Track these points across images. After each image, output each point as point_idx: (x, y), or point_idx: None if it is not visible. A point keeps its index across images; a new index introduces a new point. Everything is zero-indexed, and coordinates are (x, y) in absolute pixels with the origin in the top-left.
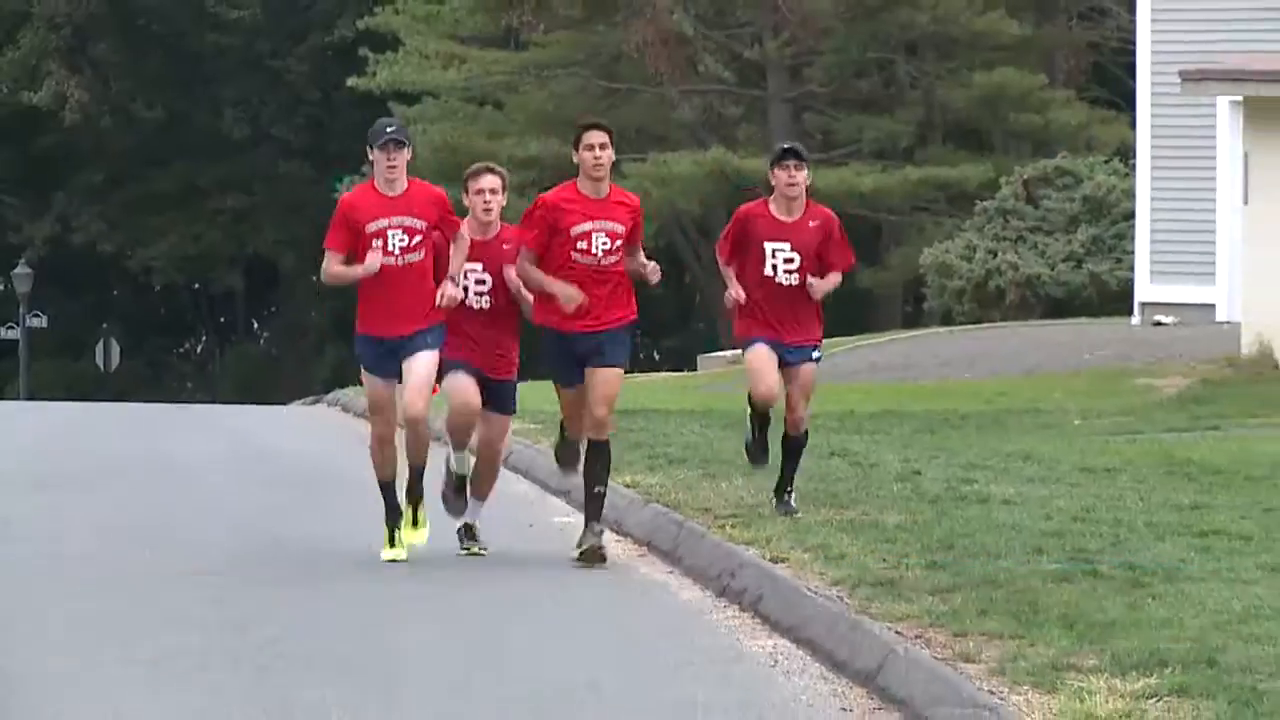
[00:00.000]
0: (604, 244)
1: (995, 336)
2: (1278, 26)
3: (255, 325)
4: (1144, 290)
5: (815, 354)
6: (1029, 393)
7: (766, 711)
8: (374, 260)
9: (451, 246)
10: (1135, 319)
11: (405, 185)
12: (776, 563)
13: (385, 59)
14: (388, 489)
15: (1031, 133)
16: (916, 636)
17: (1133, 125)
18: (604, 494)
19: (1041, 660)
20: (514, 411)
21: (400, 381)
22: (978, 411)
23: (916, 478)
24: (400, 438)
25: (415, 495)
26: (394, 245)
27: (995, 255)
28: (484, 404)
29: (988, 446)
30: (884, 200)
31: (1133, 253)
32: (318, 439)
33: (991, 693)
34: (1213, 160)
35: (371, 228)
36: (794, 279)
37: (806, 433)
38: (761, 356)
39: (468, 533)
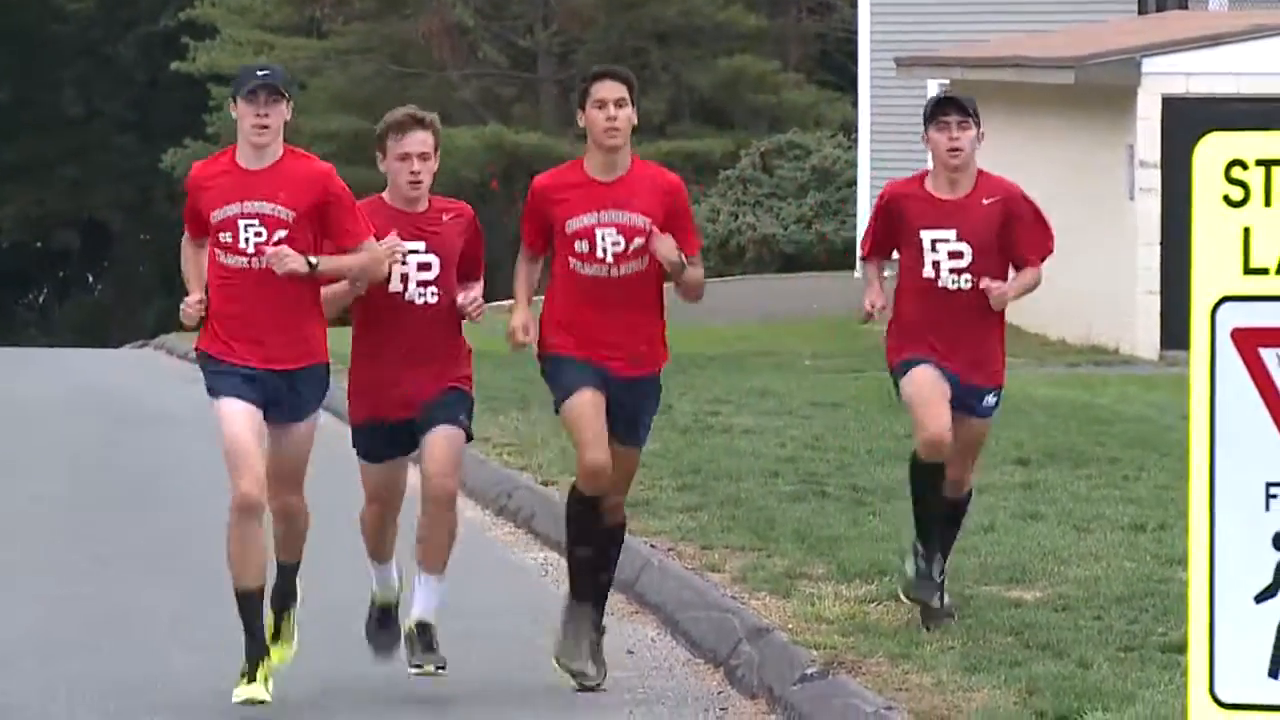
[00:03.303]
0: (614, 244)
1: (737, 288)
2: (981, 19)
3: (90, 279)
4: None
5: (992, 400)
6: (766, 337)
7: (539, 614)
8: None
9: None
10: (857, 273)
11: (279, 155)
12: (547, 485)
13: (204, 46)
14: (248, 600)
15: (767, 111)
16: (669, 549)
17: (854, 105)
18: (609, 583)
19: (778, 570)
20: (467, 427)
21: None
22: (721, 354)
23: (669, 411)
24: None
25: (284, 600)
26: (246, 242)
27: (736, 217)
28: (422, 425)
29: (730, 384)
30: None
31: (855, 215)
32: (146, 378)
33: (734, 598)
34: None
35: (217, 216)
36: (963, 281)
37: (970, 494)
38: (925, 383)
39: (421, 637)
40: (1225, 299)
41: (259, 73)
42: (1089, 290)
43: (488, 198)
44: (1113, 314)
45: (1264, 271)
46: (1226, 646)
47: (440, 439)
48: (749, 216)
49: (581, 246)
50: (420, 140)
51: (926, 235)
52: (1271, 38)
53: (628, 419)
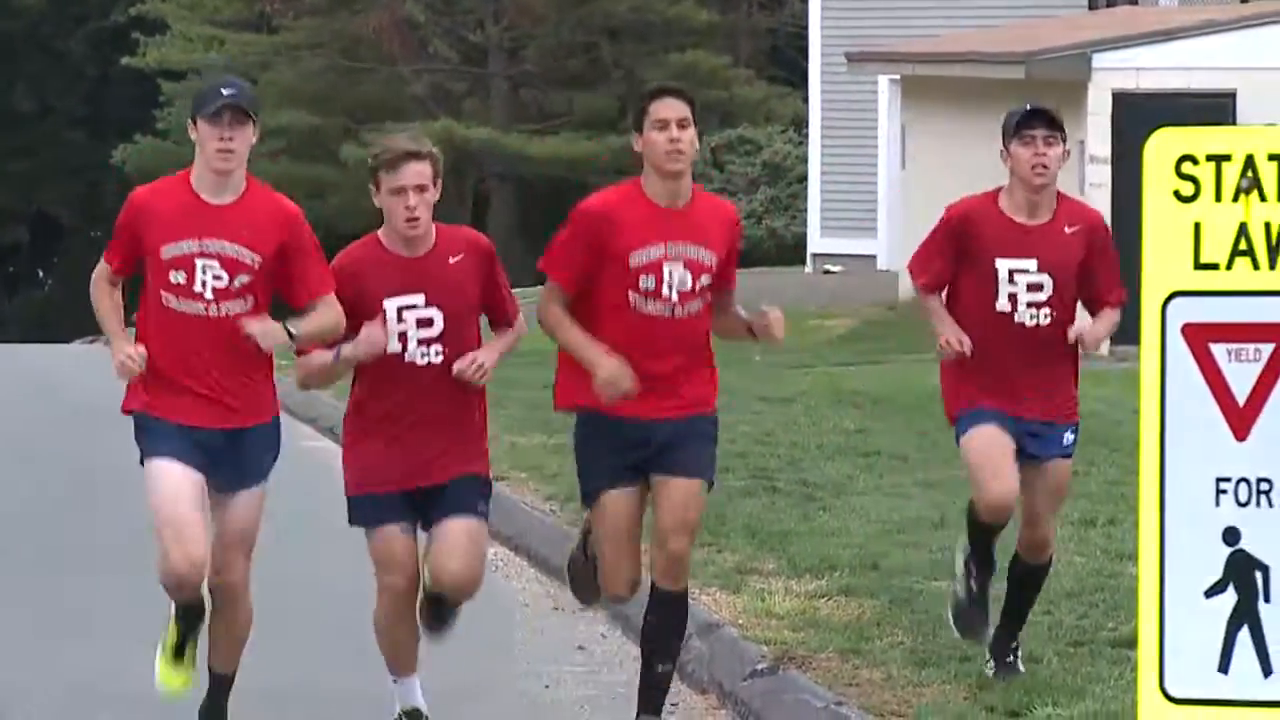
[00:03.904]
0: (682, 281)
1: None
2: (931, 14)
3: (40, 274)
4: (815, 243)
5: (1070, 438)
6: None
7: (493, 609)
8: (372, 338)
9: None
10: (808, 268)
11: (242, 189)
12: (498, 481)
13: (154, 41)
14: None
15: (718, 106)
16: None
17: (805, 100)
18: (670, 674)
19: (728, 565)
20: (485, 515)
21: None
22: None
23: None
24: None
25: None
26: (203, 285)
27: None
28: (434, 512)
29: None
30: (590, 165)
31: (806, 210)
32: (96, 373)
33: None
34: (874, 130)
35: (170, 251)
36: (1044, 317)
37: (1051, 559)
38: (989, 442)
39: None
40: (1176, 294)
41: (224, 91)
42: None
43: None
44: None
45: (1214, 266)
46: (1177, 641)
47: (453, 532)
48: None
49: (647, 283)
50: (416, 172)
51: (1002, 264)
52: (1222, 33)
53: (686, 453)
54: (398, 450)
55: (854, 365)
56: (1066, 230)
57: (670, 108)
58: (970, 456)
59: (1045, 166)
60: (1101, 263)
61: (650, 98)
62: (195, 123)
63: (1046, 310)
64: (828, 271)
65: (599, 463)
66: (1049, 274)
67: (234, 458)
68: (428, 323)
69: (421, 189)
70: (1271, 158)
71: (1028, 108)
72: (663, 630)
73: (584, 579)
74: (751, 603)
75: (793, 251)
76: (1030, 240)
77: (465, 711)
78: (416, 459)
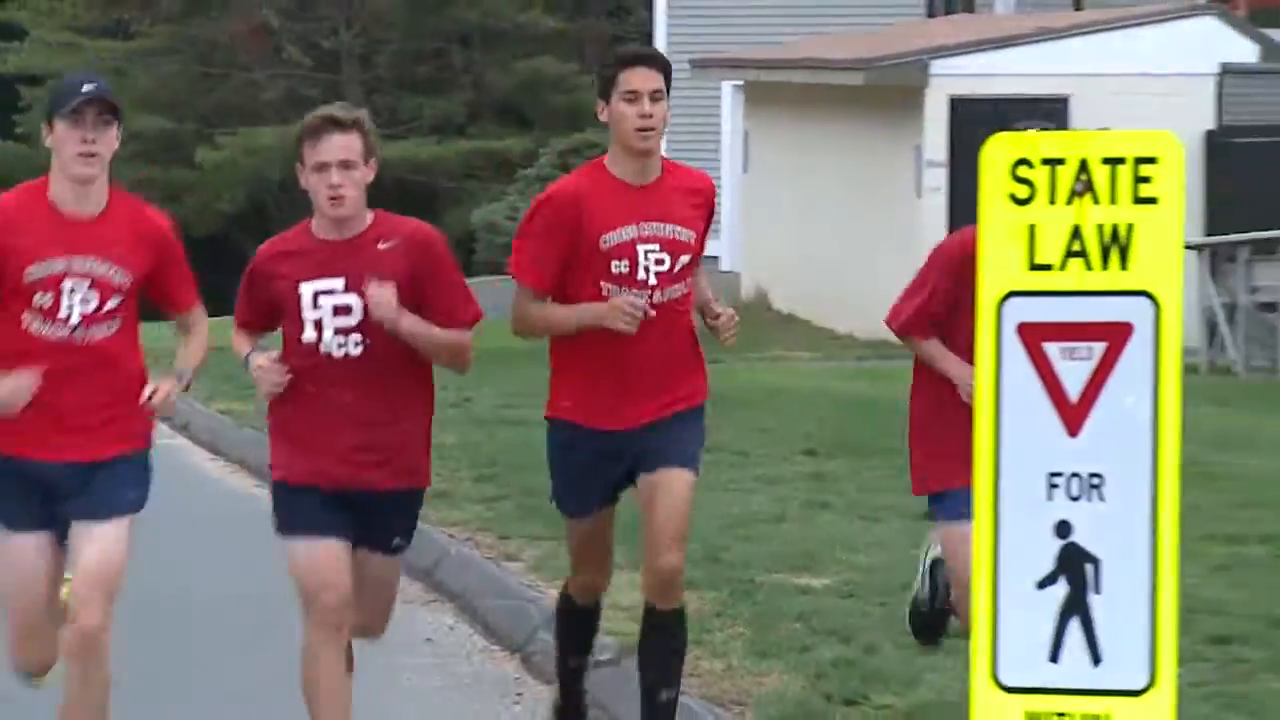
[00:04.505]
0: (659, 263)
1: None
2: (774, 22)
3: None
4: None
5: None
6: None
7: None
8: (17, 388)
9: (184, 335)
10: None
11: (106, 200)
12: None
13: (13, 47)
14: None
15: (565, 111)
16: (467, 539)
17: None
18: (675, 702)
19: None
20: (404, 550)
21: (62, 541)
22: (517, 348)
23: (467, 404)
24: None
25: None
26: (70, 310)
27: None
28: (355, 535)
29: (528, 377)
30: (440, 168)
31: None
32: None
33: (531, 586)
34: (718, 135)
35: (35, 273)
36: None
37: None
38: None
39: None
40: (1011, 294)
41: (85, 87)
42: (877, 286)
43: (291, 194)
44: None
45: (1048, 267)
46: (1009, 632)
47: (373, 575)
48: None
49: (620, 267)
50: (341, 145)
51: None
52: (1055, 40)
53: (675, 448)
54: (320, 450)
55: None
56: None
57: (643, 78)
58: (947, 547)
59: None
60: None
61: (621, 65)
62: (51, 125)
63: None
64: None
65: (572, 486)
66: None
67: (93, 490)
68: (345, 310)
69: (347, 165)
70: (1105, 161)
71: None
72: (662, 654)
73: (573, 623)
74: None
75: None
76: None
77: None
78: (343, 460)
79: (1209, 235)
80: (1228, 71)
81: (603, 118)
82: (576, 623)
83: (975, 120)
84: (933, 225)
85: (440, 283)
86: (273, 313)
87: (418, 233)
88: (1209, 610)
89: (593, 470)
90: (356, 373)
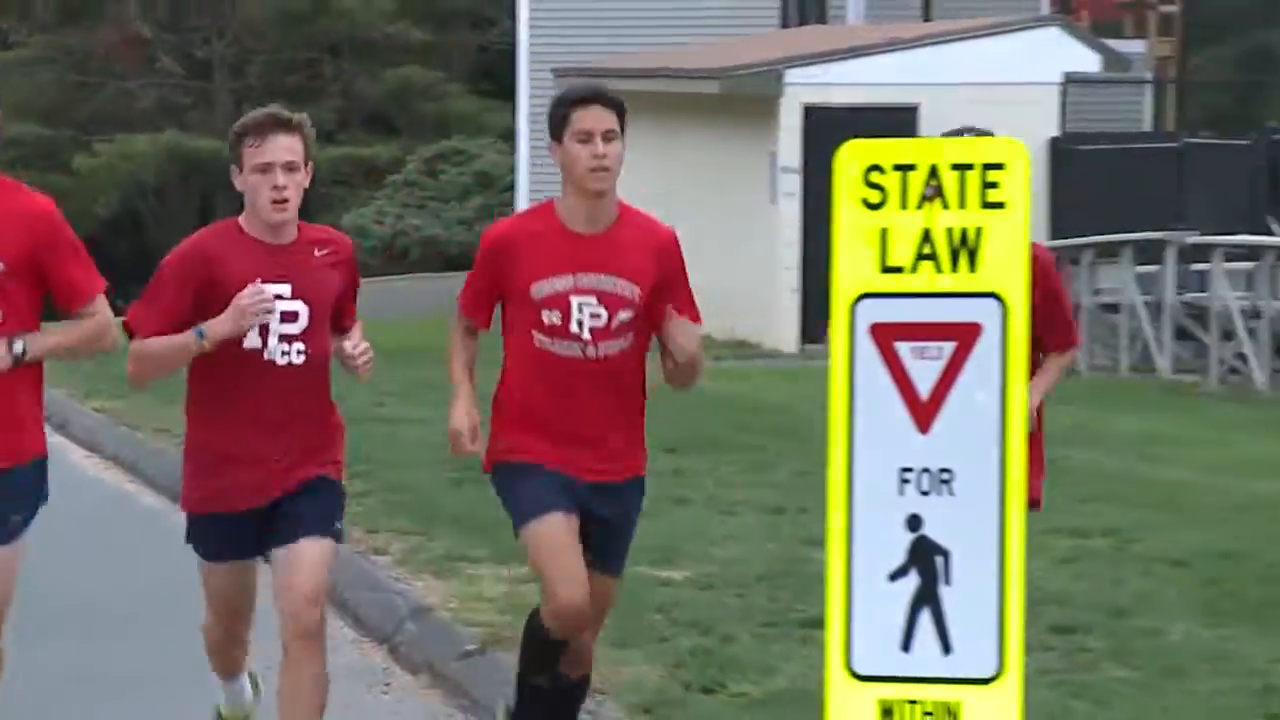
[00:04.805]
0: (594, 315)
1: (402, 287)
2: (633, 32)
3: None
4: None
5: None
6: (431, 334)
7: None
8: (255, 303)
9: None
10: None
11: None
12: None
13: None
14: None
15: (432, 119)
16: None
17: (514, 113)
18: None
19: (439, 552)
20: (338, 534)
21: None
22: (389, 349)
23: (340, 401)
24: None
25: None
26: None
27: (402, 219)
28: (281, 529)
29: (397, 377)
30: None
31: None
32: None
33: (399, 579)
34: None
35: None
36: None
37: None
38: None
39: None
40: (864, 295)
41: None
42: (734, 288)
43: (165, 200)
44: (756, 310)
45: (900, 270)
46: (862, 622)
47: (304, 555)
48: (414, 219)
49: (551, 318)
50: (285, 146)
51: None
52: (906, 50)
53: (606, 537)
54: (243, 458)
55: None
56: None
57: (595, 117)
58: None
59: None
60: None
61: (573, 104)
62: None
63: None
64: None
65: (531, 491)
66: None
67: None
68: (292, 317)
69: (291, 167)
70: (954, 167)
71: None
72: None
73: (542, 652)
74: (462, 588)
75: None
76: None
77: (183, 692)
78: (267, 471)
79: (1054, 239)
80: (1071, 81)
81: (555, 158)
82: (545, 656)
83: (828, 128)
84: (787, 229)
85: (351, 298)
86: (191, 320)
87: (343, 242)
88: (1054, 601)
89: (554, 478)
90: (296, 382)
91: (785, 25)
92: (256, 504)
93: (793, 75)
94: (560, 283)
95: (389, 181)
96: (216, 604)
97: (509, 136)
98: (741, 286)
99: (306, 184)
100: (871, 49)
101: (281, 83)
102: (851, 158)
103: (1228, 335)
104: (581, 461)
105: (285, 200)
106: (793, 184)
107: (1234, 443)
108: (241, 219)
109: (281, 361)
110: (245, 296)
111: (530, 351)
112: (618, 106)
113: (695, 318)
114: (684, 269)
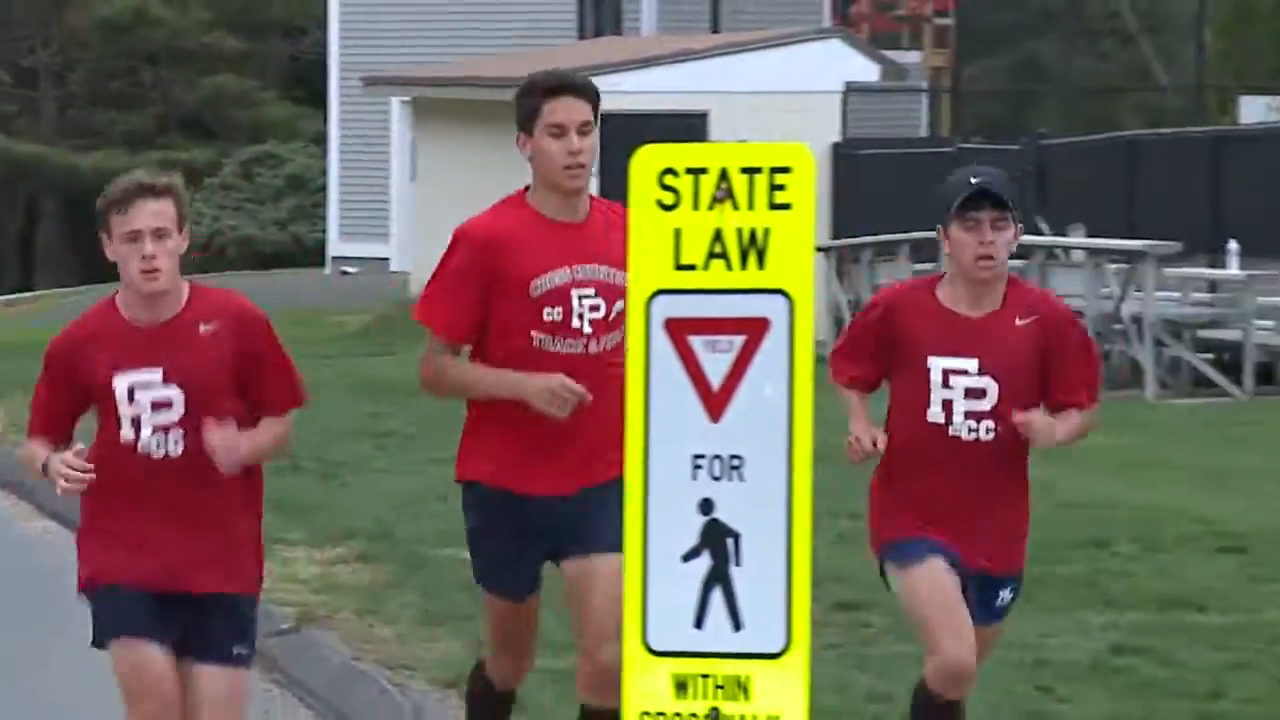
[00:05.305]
0: (594, 308)
1: (220, 284)
2: (440, 43)
3: None
4: (335, 247)
5: (1008, 595)
6: None
7: (45, 569)
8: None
9: None
10: (328, 270)
11: None
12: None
13: None
14: None
15: (247, 125)
16: None
17: (325, 119)
18: None
19: None
20: (249, 660)
21: None
22: None
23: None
24: None
25: None
26: None
27: (219, 220)
28: (191, 647)
29: None
30: None
31: (326, 218)
32: None
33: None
34: (387, 146)
35: None
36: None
37: None
38: (929, 581)
39: None
40: (659, 292)
41: None
42: None
43: None
44: None
45: (693, 268)
46: (658, 601)
47: (204, 692)
48: (231, 220)
49: (552, 315)
50: (154, 212)
51: (935, 361)
52: (696, 60)
53: (604, 524)
54: (139, 553)
55: (369, 356)
56: (1018, 324)
57: (569, 109)
58: (908, 599)
59: (986, 255)
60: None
61: (544, 94)
62: None
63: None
64: (345, 273)
65: (502, 559)
66: (990, 375)
67: None
68: (165, 405)
69: (161, 233)
70: (743, 171)
71: (971, 181)
72: None
73: (485, 707)
74: (277, 569)
75: (314, 255)
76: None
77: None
78: (164, 562)
79: (835, 239)
80: (851, 89)
81: (524, 152)
82: (493, 705)
83: (624, 134)
84: None
85: (267, 368)
86: (79, 412)
87: (242, 312)
88: (836, 579)
89: (517, 545)
90: (178, 473)
91: (583, 36)
92: (161, 589)
93: None
94: (559, 276)
95: (206, 184)
96: (133, 695)
97: (320, 141)
98: None
99: (183, 248)
100: (664, 59)
101: (104, 89)
102: (646, 162)
103: None
104: (570, 477)
105: (155, 270)
106: (592, 187)
107: None
108: (118, 295)
109: (157, 454)
110: (65, 459)
111: (527, 356)
112: (591, 95)
113: None
114: None
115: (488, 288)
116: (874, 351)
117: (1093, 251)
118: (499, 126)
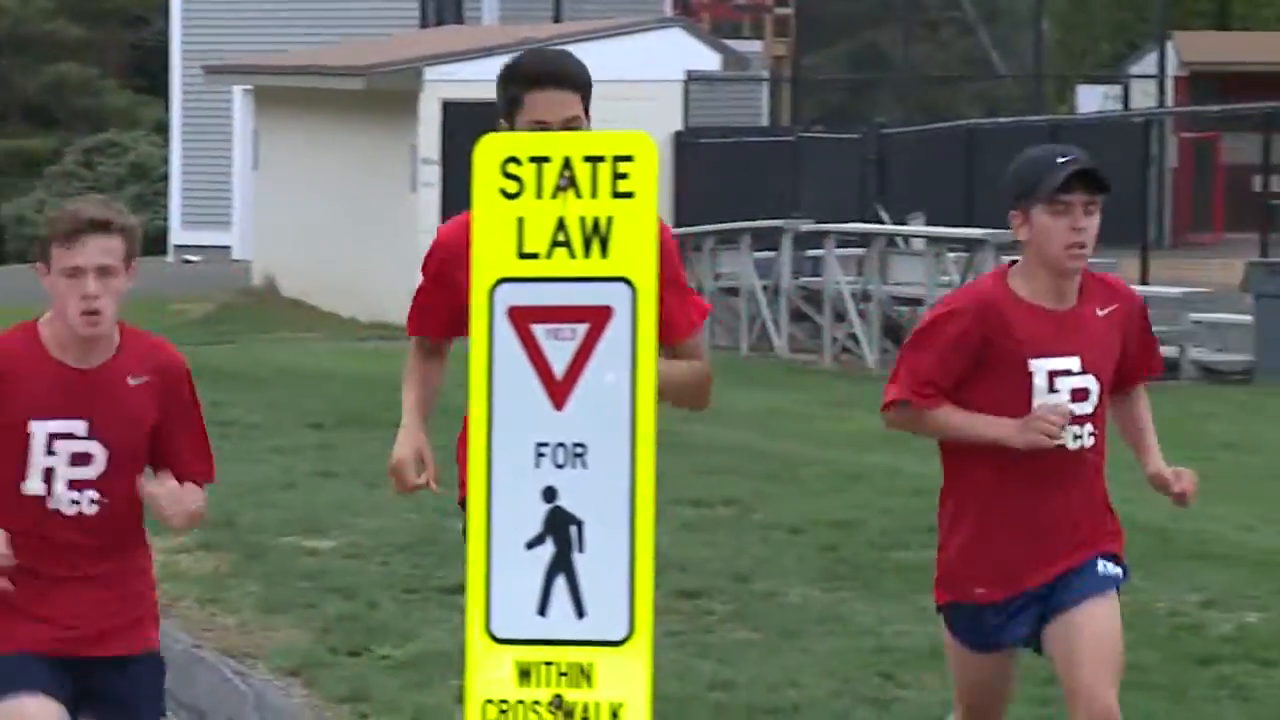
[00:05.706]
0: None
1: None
2: (283, 32)
3: None
4: (177, 235)
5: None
6: None
7: None
8: None
9: None
10: (170, 258)
11: None
12: None
13: None
14: None
15: (88, 113)
16: None
17: (167, 108)
18: None
19: None
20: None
21: None
22: None
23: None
24: None
25: None
26: None
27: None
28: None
29: None
30: None
31: (168, 206)
32: None
33: None
34: (229, 135)
35: None
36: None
37: None
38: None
39: None
40: (502, 280)
41: None
42: (375, 273)
43: None
44: (396, 294)
45: (536, 256)
46: (501, 588)
47: None
48: None
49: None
50: (101, 248)
51: (1035, 363)
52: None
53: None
54: (41, 612)
55: (211, 344)
56: (1099, 314)
57: (553, 103)
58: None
59: (1083, 245)
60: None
61: (528, 84)
62: None
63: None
64: (188, 261)
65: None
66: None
67: None
68: (84, 459)
69: (106, 271)
70: (586, 159)
71: (1060, 160)
72: None
73: None
74: None
75: (157, 243)
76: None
77: None
78: (65, 625)
79: (678, 226)
80: (693, 78)
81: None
82: None
83: (466, 122)
84: (426, 217)
85: (183, 431)
86: None
87: (170, 367)
88: (680, 567)
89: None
90: (87, 533)
91: (424, 25)
92: (58, 652)
93: (431, 73)
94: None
95: (47, 173)
96: None
97: (162, 129)
98: (384, 271)
99: (127, 287)
100: (505, 48)
101: None
102: (490, 150)
103: (840, 317)
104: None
105: (97, 312)
106: (432, 175)
107: (847, 418)
108: (43, 325)
109: (70, 511)
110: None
111: None
112: (581, 85)
113: (699, 310)
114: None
115: (452, 291)
116: (966, 365)
117: (933, 240)
118: (341, 114)
